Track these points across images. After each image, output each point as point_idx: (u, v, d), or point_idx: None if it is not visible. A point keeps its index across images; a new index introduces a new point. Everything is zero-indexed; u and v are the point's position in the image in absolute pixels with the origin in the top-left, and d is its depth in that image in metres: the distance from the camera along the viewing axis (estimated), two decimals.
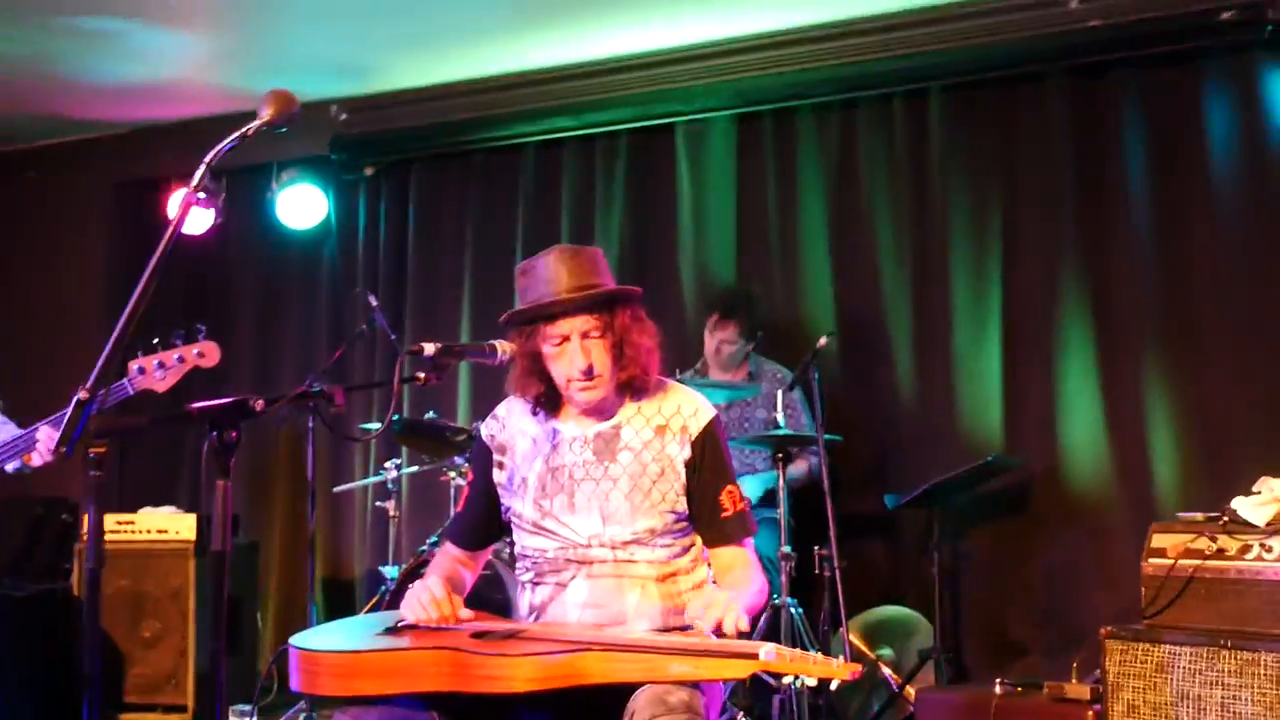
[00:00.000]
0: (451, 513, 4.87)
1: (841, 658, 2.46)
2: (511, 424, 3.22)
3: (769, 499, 5.33)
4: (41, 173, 7.75)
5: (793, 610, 4.99)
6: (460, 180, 6.94)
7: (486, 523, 3.23)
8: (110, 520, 5.74)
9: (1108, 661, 3.88)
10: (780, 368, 5.66)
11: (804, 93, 6.03)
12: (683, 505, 3.05)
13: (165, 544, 5.70)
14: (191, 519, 5.71)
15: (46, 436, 3.65)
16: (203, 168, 2.50)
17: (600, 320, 2.99)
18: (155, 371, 3.82)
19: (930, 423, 5.82)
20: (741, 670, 2.44)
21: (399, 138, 6.86)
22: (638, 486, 3.02)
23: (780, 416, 5.15)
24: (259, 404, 2.36)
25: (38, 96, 6.71)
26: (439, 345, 2.80)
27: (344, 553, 7.00)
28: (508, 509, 3.15)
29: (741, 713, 4.77)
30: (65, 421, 2.20)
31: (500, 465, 3.19)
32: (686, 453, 3.05)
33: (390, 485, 5.59)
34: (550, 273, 2.99)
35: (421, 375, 2.79)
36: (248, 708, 5.49)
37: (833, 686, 2.46)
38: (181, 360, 3.75)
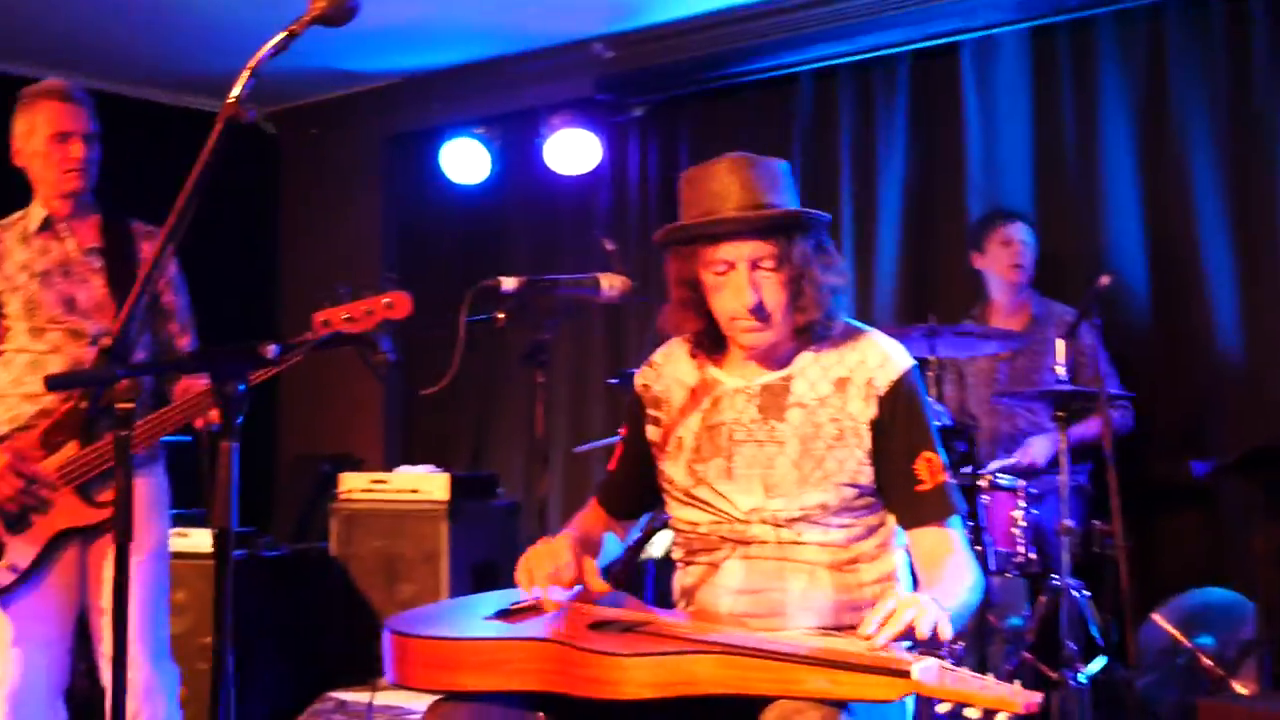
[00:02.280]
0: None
1: (1018, 683, 2.03)
2: (668, 372, 2.83)
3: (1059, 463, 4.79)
4: (322, 128, 7.90)
5: (1075, 594, 4.49)
6: (732, 117, 6.64)
7: (638, 487, 2.87)
8: (364, 479, 5.77)
9: None
10: (1071, 310, 5.10)
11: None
12: (866, 476, 2.60)
13: (418, 504, 5.64)
14: (445, 479, 5.64)
15: None
16: (245, 73, 2.21)
17: (775, 247, 2.55)
18: (342, 324, 3.64)
19: (1256, 376, 5.14)
20: (889, 690, 2.06)
21: (666, 74, 6.60)
22: (809, 452, 2.59)
23: (1060, 368, 4.61)
24: (270, 349, 2.09)
25: (308, 47, 6.73)
26: (523, 279, 2.42)
27: None
28: (662, 473, 2.78)
29: None
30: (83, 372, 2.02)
31: (655, 421, 2.81)
32: (872, 411, 2.60)
33: None
34: (718, 184, 2.58)
35: (500, 315, 2.42)
36: None
37: None
38: (370, 312, 3.50)
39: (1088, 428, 4.98)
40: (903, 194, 6.06)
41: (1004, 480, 4.81)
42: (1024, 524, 4.77)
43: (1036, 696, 1.98)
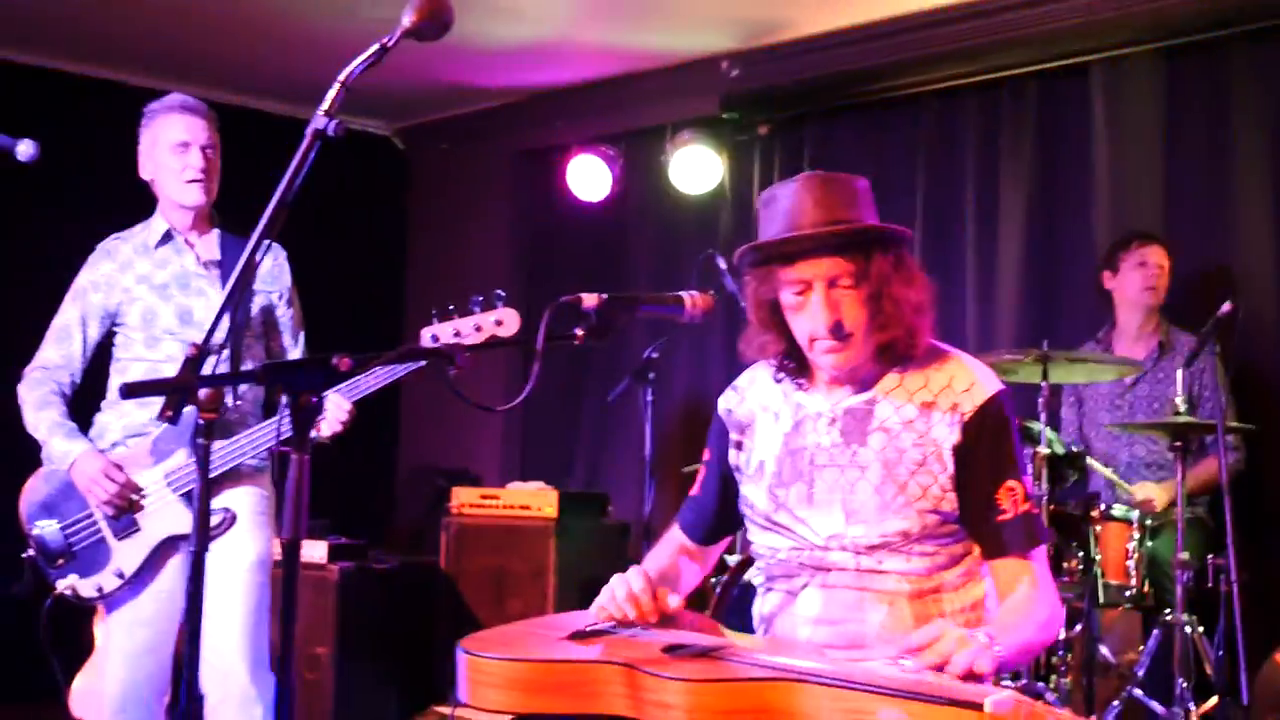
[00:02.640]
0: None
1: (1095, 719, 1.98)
2: (752, 396, 2.81)
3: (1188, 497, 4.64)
4: (451, 144, 8.01)
5: (1188, 630, 4.36)
6: (855, 135, 6.60)
7: (720, 513, 2.85)
8: (475, 494, 5.83)
9: None
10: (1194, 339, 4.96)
11: (1238, 18, 5.25)
12: (950, 503, 2.55)
13: (528, 519, 5.68)
14: (554, 495, 5.67)
15: (336, 405, 3.60)
16: (336, 86, 2.21)
17: (853, 265, 2.50)
18: (450, 340, 3.67)
19: None
20: None
21: (791, 93, 6.58)
22: (891, 477, 2.55)
23: (1180, 400, 4.49)
24: (344, 363, 2.05)
25: (439, 64, 6.87)
26: (604, 296, 2.37)
27: None
28: (743, 498, 2.76)
29: None
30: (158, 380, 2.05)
31: (739, 445, 2.79)
32: (956, 436, 2.54)
33: None
34: (793, 203, 2.54)
35: (580, 332, 2.37)
36: None
37: None
38: (479, 329, 3.50)
39: (1205, 467, 4.87)
40: (1027, 216, 5.95)
41: (1118, 511, 4.71)
42: (1137, 556, 4.67)
43: None
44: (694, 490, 2.94)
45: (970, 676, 2.13)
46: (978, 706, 1.97)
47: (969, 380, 2.59)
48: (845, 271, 2.51)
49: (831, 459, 2.61)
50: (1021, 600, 2.50)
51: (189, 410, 2.19)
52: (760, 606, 2.75)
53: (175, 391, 2.12)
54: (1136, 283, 5.19)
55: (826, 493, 2.60)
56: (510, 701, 2.40)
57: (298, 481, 2.02)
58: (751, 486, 2.73)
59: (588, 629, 2.56)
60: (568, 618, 2.70)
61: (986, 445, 2.55)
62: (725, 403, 2.85)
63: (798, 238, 2.51)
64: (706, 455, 2.90)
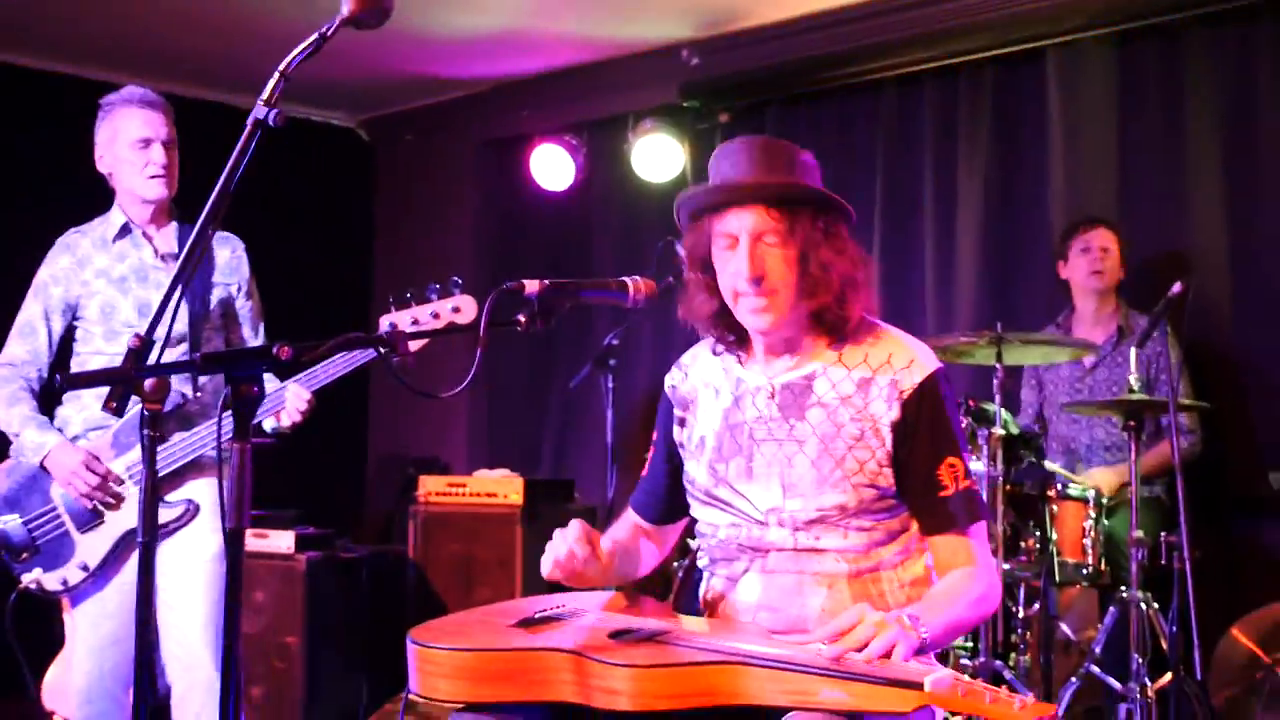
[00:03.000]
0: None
1: (1031, 696, 2.03)
2: (695, 373, 2.79)
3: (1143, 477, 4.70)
4: (416, 135, 8.03)
5: (1143, 607, 4.43)
6: (816, 122, 6.64)
7: (670, 491, 2.84)
8: (442, 482, 5.84)
9: None
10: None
11: (1191, 2, 5.31)
12: (886, 479, 2.53)
13: (495, 507, 5.68)
14: (519, 482, 5.69)
15: (295, 396, 3.63)
16: (276, 76, 2.22)
17: (780, 223, 2.48)
18: (408, 327, 3.68)
19: None
20: (902, 702, 2.05)
21: (751, 80, 6.63)
22: (828, 452, 2.53)
23: (1135, 379, 4.56)
24: (285, 351, 2.05)
25: (402, 55, 6.88)
26: (545, 282, 2.37)
27: None
28: (685, 474, 2.75)
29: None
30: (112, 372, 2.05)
31: (682, 422, 2.78)
32: (894, 413, 2.52)
33: None
34: (732, 160, 2.56)
35: (522, 318, 2.36)
36: None
37: None
38: (436, 315, 3.51)
39: (1159, 451, 4.95)
40: (984, 200, 6.01)
41: (1074, 491, 4.76)
42: (1094, 535, 4.73)
43: (1048, 710, 1.97)
44: (644, 471, 2.94)
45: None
46: (918, 686, 2.02)
47: (908, 357, 2.58)
48: (771, 228, 2.50)
49: (770, 433, 2.61)
50: (956, 578, 2.52)
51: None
52: (704, 592, 2.76)
53: (115, 382, 2.14)
54: (1083, 267, 5.25)
55: (765, 467, 2.60)
56: (459, 691, 2.42)
57: (239, 471, 2.03)
58: (693, 462, 2.73)
59: (536, 615, 2.58)
60: (519, 604, 2.72)
61: (926, 423, 2.54)
62: (670, 380, 2.85)
63: (725, 186, 2.54)
64: (655, 435, 2.90)
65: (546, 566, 2.58)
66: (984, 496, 2.68)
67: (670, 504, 2.88)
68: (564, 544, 2.55)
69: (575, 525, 2.59)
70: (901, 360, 2.58)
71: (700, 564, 2.82)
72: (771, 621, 2.57)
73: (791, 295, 2.54)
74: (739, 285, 2.53)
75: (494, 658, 2.40)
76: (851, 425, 2.55)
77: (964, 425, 4.71)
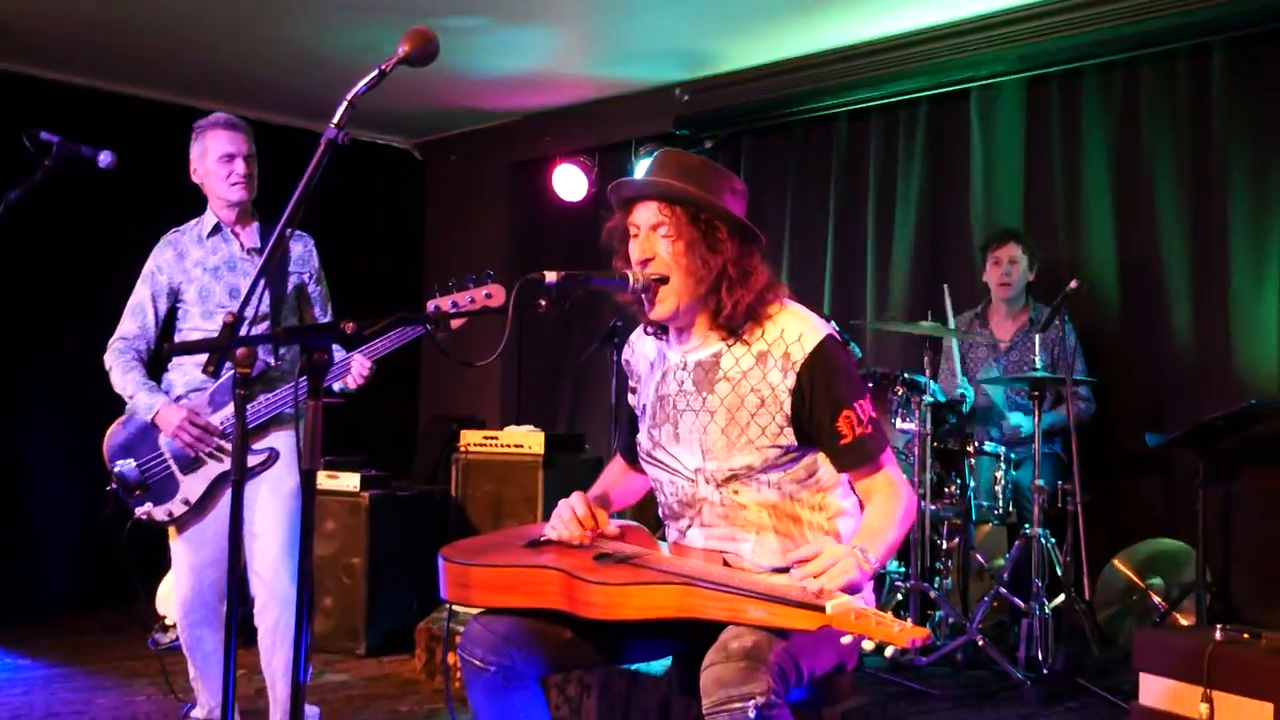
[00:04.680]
0: None
1: (909, 621, 1.98)
2: (638, 349, 2.69)
3: (1045, 436, 4.63)
4: (458, 156, 7.94)
5: (1043, 541, 4.37)
6: (783, 148, 6.54)
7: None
8: (479, 435, 5.76)
9: None
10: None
11: (1088, 54, 5.19)
12: (788, 438, 2.40)
13: (521, 456, 5.62)
14: (541, 436, 5.62)
15: (359, 363, 3.57)
16: (344, 104, 2.14)
17: (670, 217, 2.39)
18: (449, 310, 3.61)
19: (1202, 367, 4.97)
20: (808, 622, 2.01)
21: (730, 114, 6.50)
22: (734, 420, 2.42)
23: (1038, 358, 4.49)
24: (350, 326, 2.00)
25: (450, 90, 6.79)
26: (563, 273, 2.28)
27: None
28: (637, 438, 2.65)
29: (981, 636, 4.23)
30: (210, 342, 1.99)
31: (633, 390, 2.70)
32: (790, 381, 2.39)
33: None
34: (647, 167, 2.49)
35: (542, 302, 2.28)
36: None
37: (887, 653, 1.94)
38: (472, 300, 3.46)
39: (1057, 415, 4.87)
40: (917, 214, 5.93)
41: (989, 448, 4.71)
42: (1005, 483, 4.67)
43: (922, 633, 1.92)
44: (621, 424, 2.88)
45: (848, 588, 2.09)
46: (820, 609, 1.99)
47: (798, 330, 2.44)
48: (663, 221, 2.40)
49: (688, 404, 2.50)
50: (880, 505, 2.41)
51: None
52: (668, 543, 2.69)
53: (213, 350, 2.08)
54: (994, 278, 5.16)
55: (687, 433, 2.49)
56: (475, 597, 2.42)
57: (311, 423, 1.98)
58: (640, 428, 2.64)
59: (541, 540, 2.54)
60: (530, 529, 2.67)
61: (820, 385, 2.40)
62: (624, 354, 2.75)
63: (625, 183, 2.49)
64: (625, 395, 2.82)
65: (553, 534, 2.52)
66: (891, 439, 2.56)
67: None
68: (568, 523, 2.51)
69: (577, 499, 2.54)
70: (793, 334, 2.44)
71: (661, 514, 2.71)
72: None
73: (681, 282, 2.41)
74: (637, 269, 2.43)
75: (502, 572, 2.39)
76: (753, 396, 2.43)
77: (898, 394, 4.65)
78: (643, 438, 2.61)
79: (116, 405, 3.67)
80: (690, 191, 2.41)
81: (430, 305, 3.47)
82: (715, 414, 2.46)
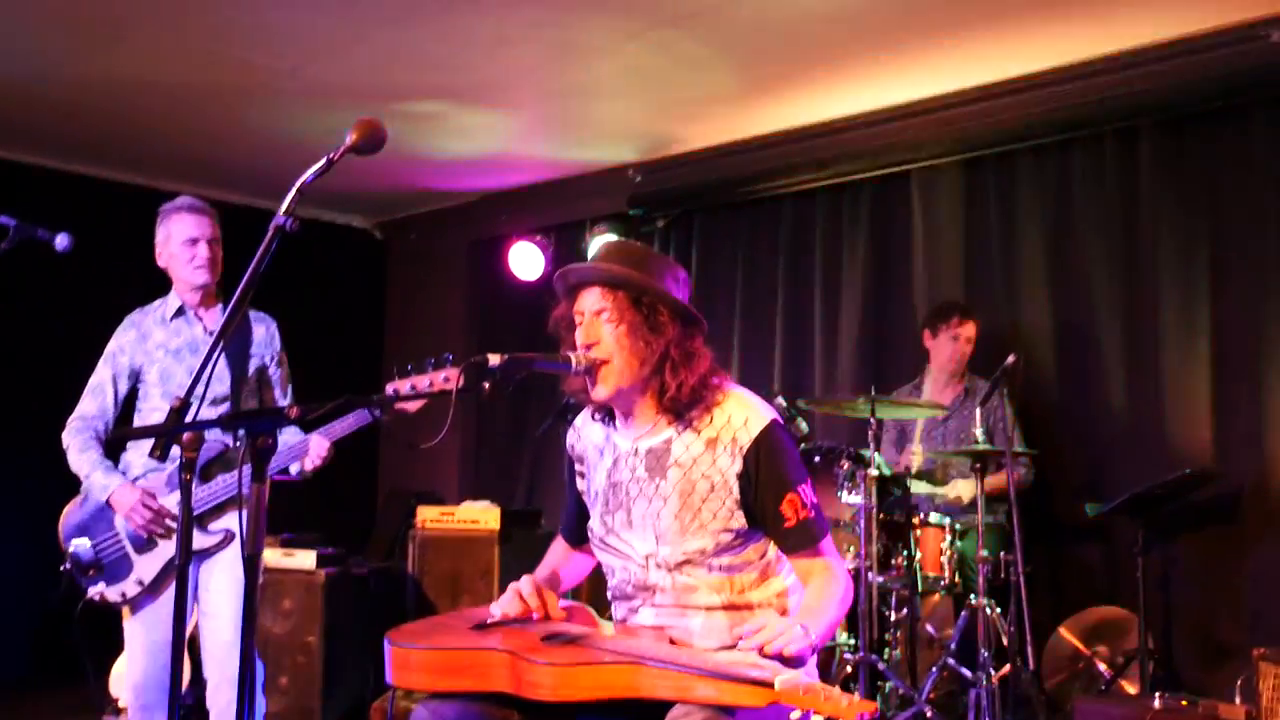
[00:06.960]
0: None
1: (856, 695, 1.96)
2: (585, 434, 2.65)
3: (987, 504, 4.63)
4: (419, 235, 7.98)
5: (988, 611, 4.40)
6: (732, 227, 6.62)
7: (579, 521, 2.71)
8: (436, 511, 5.72)
9: (1261, 684, 3.11)
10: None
11: (1022, 136, 5.36)
12: (739, 521, 2.41)
13: (477, 531, 5.58)
14: (497, 512, 5.59)
15: (317, 445, 3.55)
16: (293, 192, 2.14)
17: (611, 302, 2.40)
18: (407, 392, 3.60)
19: (1138, 437, 5.04)
20: (758, 698, 1.97)
21: (681, 194, 6.62)
22: (687, 505, 2.42)
23: (979, 430, 4.55)
24: (294, 411, 2.01)
25: (409, 172, 6.86)
26: (505, 356, 2.28)
27: None
28: (589, 523, 2.63)
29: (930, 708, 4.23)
30: (157, 427, 1.99)
31: (581, 475, 2.66)
32: (738, 466, 2.39)
33: None
34: (591, 255, 2.52)
35: (486, 385, 2.28)
36: None
37: None
38: (430, 384, 3.47)
39: (998, 481, 4.92)
40: (862, 290, 6.01)
41: (934, 519, 4.74)
42: (949, 554, 4.70)
43: (870, 707, 1.89)
44: (563, 508, 2.83)
45: (786, 659, 2.09)
46: (769, 685, 1.96)
47: (744, 415, 2.44)
48: (605, 307, 2.42)
49: (640, 490, 2.48)
50: (818, 587, 2.41)
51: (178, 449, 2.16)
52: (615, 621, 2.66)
53: (158, 435, 2.09)
54: (947, 351, 5.17)
55: (640, 518, 2.48)
56: (422, 681, 2.37)
57: (254, 507, 1.97)
58: (592, 514, 2.63)
59: (489, 622, 2.50)
60: (479, 611, 2.62)
61: (765, 469, 2.40)
62: (569, 438, 2.71)
63: (569, 270, 2.51)
64: (566, 479, 2.77)
65: (511, 611, 2.48)
66: (827, 519, 2.55)
67: (582, 531, 2.73)
68: (521, 602, 2.47)
69: (525, 582, 2.50)
70: (740, 419, 2.44)
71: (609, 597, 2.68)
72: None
73: (624, 364, 2.41)
74: (581, 354, 2.44)
75: (448, 655, 2.34)
76: (703, 481, 2.43)
77: (843, 468, 4.68)
78: (595, 524, 2.59)
79: (73, 485, 3.65)
80: (631, 276, 2.43)
81: (390, 388, 3.47)
82: (669, 499, 2.45)
